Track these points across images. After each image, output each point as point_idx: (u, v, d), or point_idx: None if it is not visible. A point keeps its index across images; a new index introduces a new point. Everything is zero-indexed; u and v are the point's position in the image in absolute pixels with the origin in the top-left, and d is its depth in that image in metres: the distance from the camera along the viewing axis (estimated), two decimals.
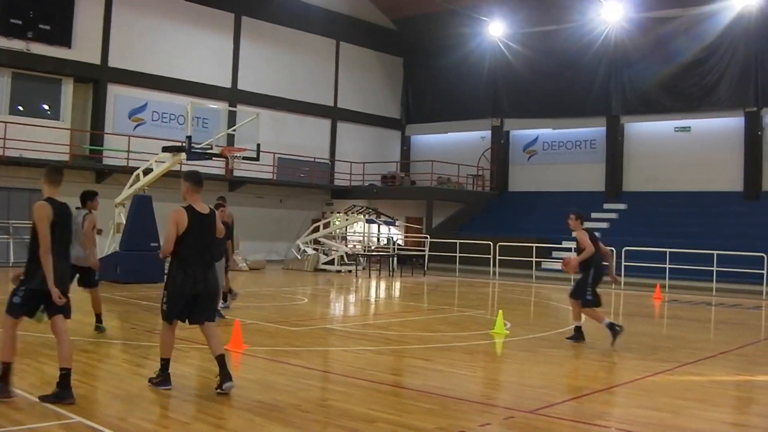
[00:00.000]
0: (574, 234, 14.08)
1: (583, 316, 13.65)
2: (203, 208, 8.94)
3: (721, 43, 34.99)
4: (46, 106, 31.66)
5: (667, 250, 27.97)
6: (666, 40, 36.33)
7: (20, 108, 30.63)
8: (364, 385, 9.55)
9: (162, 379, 8.81)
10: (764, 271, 25.54)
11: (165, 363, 8.86)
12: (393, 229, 40.03)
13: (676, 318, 19.67)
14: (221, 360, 8.71)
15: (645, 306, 22.57)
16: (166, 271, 8.94)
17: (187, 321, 8.90)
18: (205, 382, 9.36)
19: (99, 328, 12.69)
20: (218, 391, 8.61)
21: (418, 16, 43.06)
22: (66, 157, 30.53)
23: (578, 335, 13.60)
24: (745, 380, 11.05)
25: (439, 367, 11.08)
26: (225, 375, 8.65)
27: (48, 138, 29.56)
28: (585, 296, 13.41)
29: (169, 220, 8.69)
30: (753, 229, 31.15)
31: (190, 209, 8.79)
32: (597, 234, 14.60)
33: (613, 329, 12.94)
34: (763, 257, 25.66)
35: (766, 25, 33.87)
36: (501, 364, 12.21)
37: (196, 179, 9.03)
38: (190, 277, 8.64)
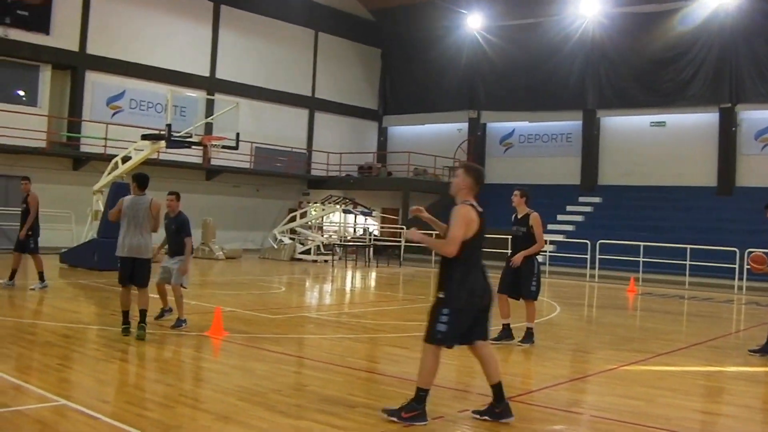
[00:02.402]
0: (521, 215, 12.48)
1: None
2: None
3: (697, 40, 35.30)
4: (21, 92, 31.47)
5: (641, 243, 28.24)
6: (642, 35, 36.61)
7: None
8: (343, 371, 9.68)
9: (418, 413, 7.25)
10: (736, 266, 25.85)
11: (423, 395, 7.35)
12: (369, 220, 40.15)
13: (650, 310, 19.90)
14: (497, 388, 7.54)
15: (619, 298, 22.83)
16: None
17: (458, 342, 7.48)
18: (186, 366, 9.45)
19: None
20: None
21: (397, 7, 43.15)
22: (43, 144, 30.48)
23: (508, 333, 12.32)
24: (716, 371, 11.27)
25: (416, 355, 11.08)
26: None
27: (25, 124, 29.44)
28: (531, 288, 12.23)
29: None
30: (726, 224, 31.51)
31: None
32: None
33: (531, 337, 12.23)
34: (735, 252, 25.97)
35: (742, 22, 34.20)
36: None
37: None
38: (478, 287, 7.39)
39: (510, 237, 12.69)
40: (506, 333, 12.28)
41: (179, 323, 12.45)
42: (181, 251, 12.79)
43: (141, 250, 11.51)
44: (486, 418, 7.47)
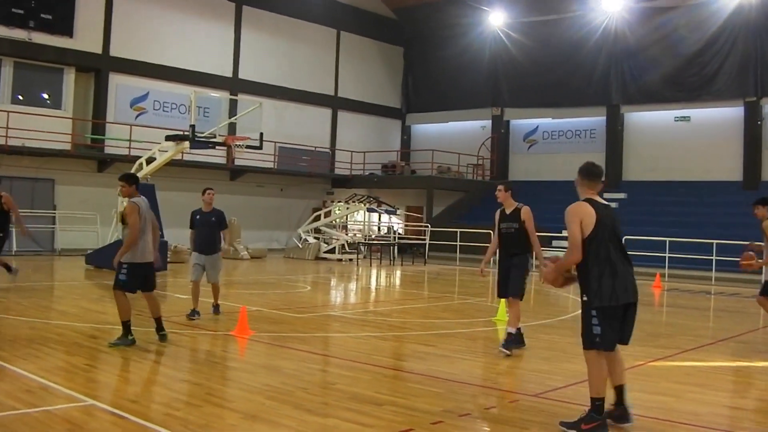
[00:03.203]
0: (510, 210, 11.53)
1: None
2: None
3: (722, 33, 35.05)
4: (46, 95, 31.68)
5: (667, 239, 28.10)
6: (666, 30, 36.41)
7: (20, 97, 30.66)
8: (370, 369, 9.68)
9: (598, 424, 6.96)
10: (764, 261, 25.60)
11: (600, 404, 7.05)
12: (393, 218, 40.14)
13: (676, 306, 19.80)
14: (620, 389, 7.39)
15: (645, 294, 22.68)
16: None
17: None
18: (212, 365, 9.48)
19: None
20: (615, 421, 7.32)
21: (419, 5, 43.12)
22: (68, 146, 30.66)
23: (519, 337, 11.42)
24: (744, 366, 11.19)
25: (442, 352, 11.21)
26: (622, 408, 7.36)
27: (50, 127, 29.62)
28: (523, 286, 11.50)
29: None
30: (752, 219, 30.99)
31: None
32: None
33: (521, 338, 11.42)
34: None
35: (766, 15, 33.92)
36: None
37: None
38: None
39: (500, 235, 11.48)
40: (519, 338, 11.30)
41: (218, 310, 13.97)
42: (218, 246, 13.72)
43: (153, 253, 11.06)
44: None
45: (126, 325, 10.60)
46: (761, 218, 12.81)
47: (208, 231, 13.71)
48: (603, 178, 7.63)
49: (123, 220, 10.79)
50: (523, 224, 11.31)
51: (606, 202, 7.38)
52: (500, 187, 11.63)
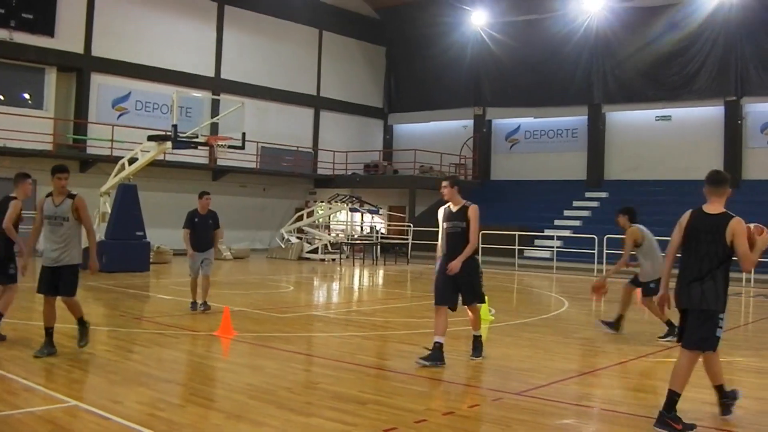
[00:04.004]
0: (456, 207, 10.51)
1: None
2: None
3: (702, 33, 35.23)
4: (27, 95, 31.53)
5: None
6: (647, 29, 36.55)
7: (1, 97, 30.48)
8: (354, 368, 9.69)
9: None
10: None
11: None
12: (376, 218, 40.16)
13: None
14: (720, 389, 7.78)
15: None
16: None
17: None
18: (196, 366, 9.47)
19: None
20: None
21: (401, 5, 43.16)
22: (50, 147, 30.51)
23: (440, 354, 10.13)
24: (726, 362, 11.23)
25: (426, 352, 11.23)
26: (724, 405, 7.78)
27: (31, 127, 29.47)
28: (478, 290, 10.54)
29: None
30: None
31: None
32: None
33: (482, 346, 10.77)
34: None
35: (746, 14, 34.10)
36: (487, 348, 12.33)
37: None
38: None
39: (445, 235, 10.40)
40: (439, 354, 10.03)
41: (207, 306, 14.45)
42: (211, 243, 14.93)
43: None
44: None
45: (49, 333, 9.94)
46: (623, 227, 12.90)
47: (205, 232, 14.89)
48: (725, 185, 8.25)
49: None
50: (470, 224, 10.30)
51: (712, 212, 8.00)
52: (445, 183, 10.55)
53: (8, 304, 10.96)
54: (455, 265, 10.01)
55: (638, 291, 13.39)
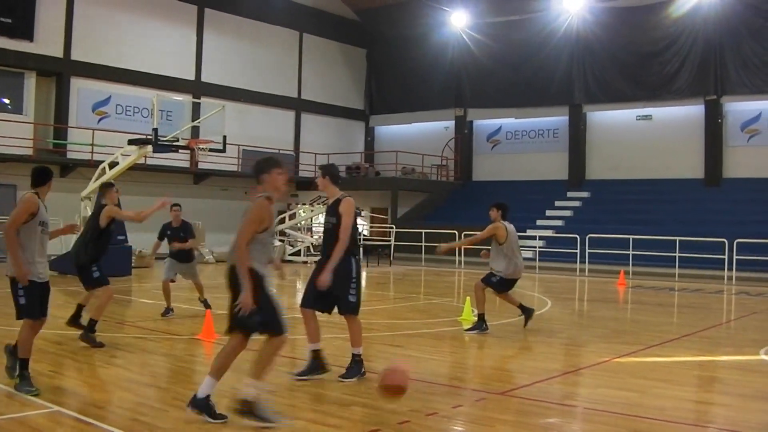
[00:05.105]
0: (331, 199, 9.46)
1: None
2: None
3: (682, 33, 35.42)
4: (6, 100, 31.36)
5: (630, 236, 28.33)
6: (627, 29, 36.73)
7: None
8: (336, 370, 9.65)
9: None
10: (725, 257, 25.98)
11: None
12: (358, 220, 40.07)
13: (640, 303, 19.97)
14: None
15: (609, 292, 22.90)
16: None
17: None
18: (178, 370, 9.43)
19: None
20: None
21: (381, 7, 43.13)
22: (30, 152, 30.37)
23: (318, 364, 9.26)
24: (708, 360, 11.32)
25: (409, 353, 11.24)
26: None
27: (11, 132, 29.31)
28: (349, 297, 9.25)
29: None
30: (714, 215, 31.62)
31: None
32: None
33: (358, 367, 9.29)
34: (724, 242, 26.09)
35: (726, 14, 34.30)
36: (469, 349, 12.39)
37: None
38: None
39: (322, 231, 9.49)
40: (316, 364, 9.23)
41: (207, 304, 14.44)
42: (191, 254, 15.26)
43: None
44: None
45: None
46: (494, 220, 13.30)
47: (181, 243, 14.96)
48: None
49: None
50: (341, 219, 9.05)
51: None
52: (318, 171, 9.51)
53: (101, 309, 11.20)
54: (323, 279, 8.80)
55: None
